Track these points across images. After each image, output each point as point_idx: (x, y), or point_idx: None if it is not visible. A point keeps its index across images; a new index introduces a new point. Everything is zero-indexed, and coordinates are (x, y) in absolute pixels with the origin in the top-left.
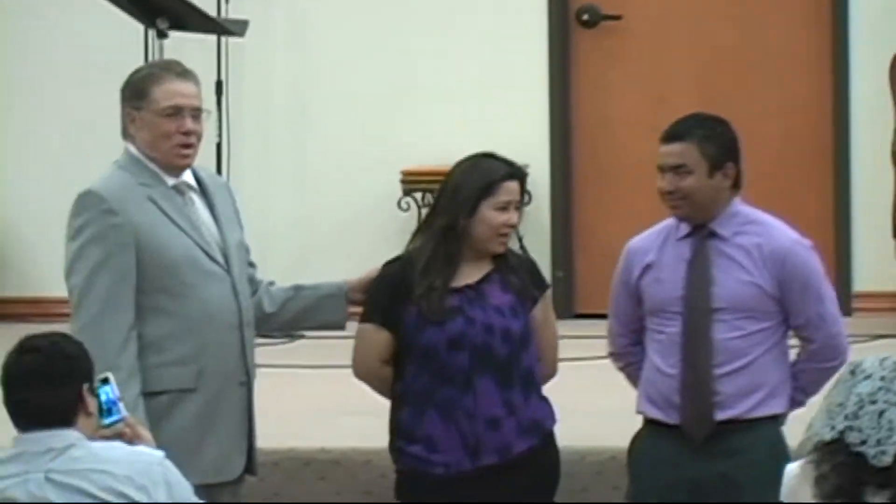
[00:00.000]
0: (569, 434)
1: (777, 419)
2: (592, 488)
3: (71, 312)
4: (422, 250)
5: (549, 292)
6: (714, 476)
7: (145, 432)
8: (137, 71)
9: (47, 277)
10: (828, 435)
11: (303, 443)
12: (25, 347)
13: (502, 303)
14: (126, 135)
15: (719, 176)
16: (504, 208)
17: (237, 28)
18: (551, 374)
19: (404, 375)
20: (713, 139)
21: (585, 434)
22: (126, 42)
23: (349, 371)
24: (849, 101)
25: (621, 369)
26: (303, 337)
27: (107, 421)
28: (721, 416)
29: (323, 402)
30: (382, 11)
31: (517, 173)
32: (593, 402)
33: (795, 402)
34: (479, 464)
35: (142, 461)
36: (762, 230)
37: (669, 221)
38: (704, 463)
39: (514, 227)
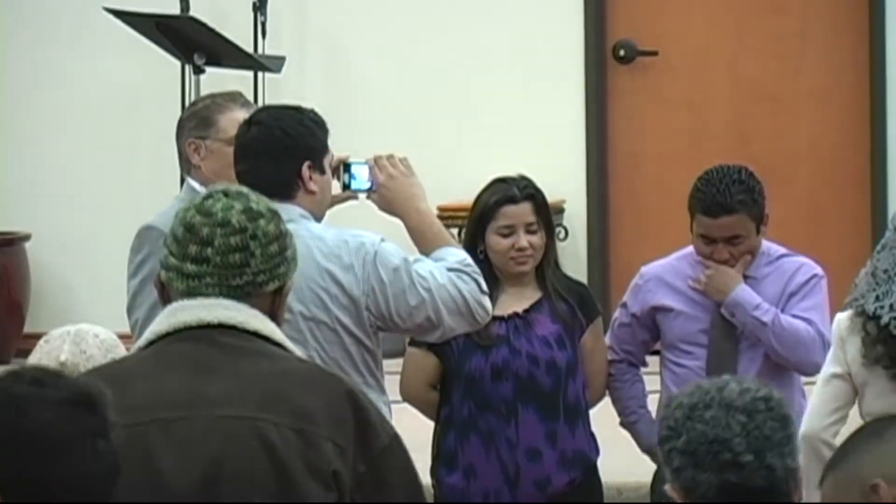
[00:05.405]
0: (606, 468)
1: None
2: None
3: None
4: None
5: (599, 319)
6: None
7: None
8: (197, 102)
9: (82, 313)
10: (871, 306)
11: None
12: (254, 120)
13: (549, 332)
14: (187, 167)
15: (762, 229)
16: (508, 233)
17: (273, 64)
18: (599, 398)
19: (451, 401)
20: (755, 200)
21: (623, 469)
22: (163, 78)
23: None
24: (886, 141)
25: None
26: None
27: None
28: None
29: None
30: (420, 49)
31: (517, 196)
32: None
33: None
34: (518, 496)
35: (355, 241)
36: (787, 265)
37: (688, 250)
38: None
39: (525, 249)
